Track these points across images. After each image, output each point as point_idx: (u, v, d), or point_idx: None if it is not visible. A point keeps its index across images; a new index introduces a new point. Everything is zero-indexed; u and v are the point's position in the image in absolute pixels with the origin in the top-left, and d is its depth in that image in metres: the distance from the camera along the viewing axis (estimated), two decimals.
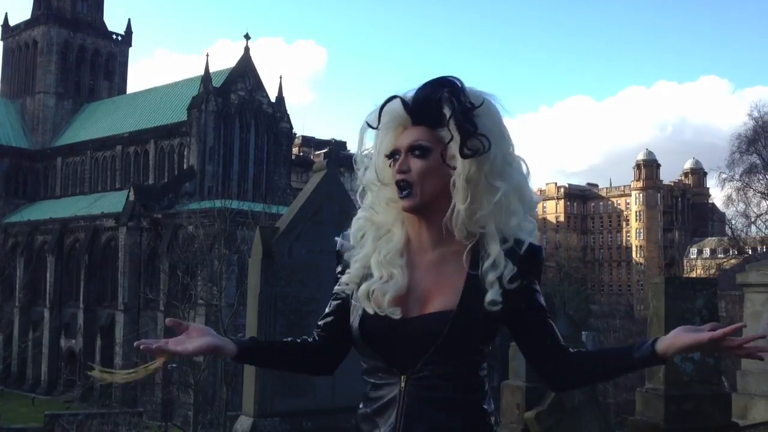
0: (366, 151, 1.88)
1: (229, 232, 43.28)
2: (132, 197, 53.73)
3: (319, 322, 1.91)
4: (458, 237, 1.78)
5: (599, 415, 7.19)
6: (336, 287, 1.90)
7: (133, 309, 51.92)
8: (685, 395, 6.42)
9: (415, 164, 1.76)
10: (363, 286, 1.80)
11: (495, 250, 1.76)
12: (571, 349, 1.82)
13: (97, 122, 67.52)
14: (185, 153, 57.47)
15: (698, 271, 62.61)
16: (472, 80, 1.82)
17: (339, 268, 1.91)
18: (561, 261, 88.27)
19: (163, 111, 62.01)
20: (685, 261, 79.55)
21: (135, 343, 1.86)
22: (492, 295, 1.73)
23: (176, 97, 61.75)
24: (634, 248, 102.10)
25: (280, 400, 5.94)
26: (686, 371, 6.50)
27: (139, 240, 53.17)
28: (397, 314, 1.75)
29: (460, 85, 1.78)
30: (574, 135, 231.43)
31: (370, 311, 1.77)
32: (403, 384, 1.74)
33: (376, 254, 1.82)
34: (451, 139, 1.75)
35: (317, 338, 1.90)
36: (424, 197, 1.77)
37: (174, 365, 42.03)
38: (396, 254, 1.81)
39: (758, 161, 39.05)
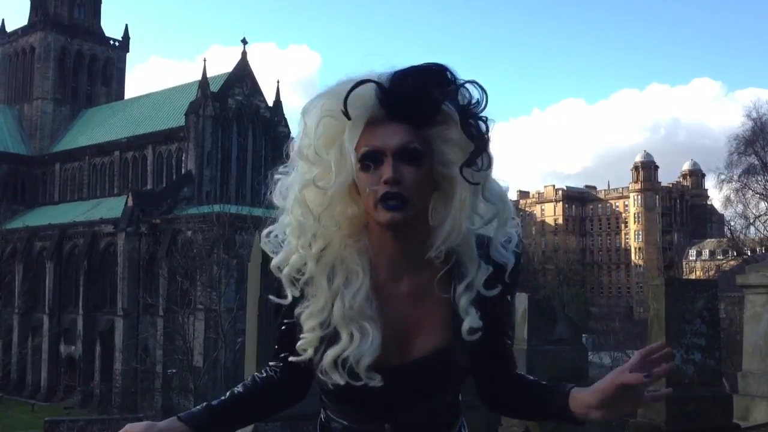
0: (315, 143, 1.46)
1: (228, 237, 43.29)
2: (130, 202, 53.69)
3: (277, 356, 1.61)
4: (435, 257, 1.47)
5: None
6: (284, 335, 1.57)
7: (132, 314, 51.84)
8: (687, 397, 6.41)
9: (409, 173, 1.41)
10: (330, 355, 1.45)
11: (473, 270, 1.47)
12: (518, 374, 1.58)
13: (95, 128, 67.50)
14: (183, 158, 57.45)
15: (697, 272, 62.65)
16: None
17: (284, 320, 1.56)
18: (560, 263, 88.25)
19: (161, 116, 62.02)
20: (684, 263, 79.60)
21: None
22: (469, 322, 1.45)
23: (174, 102, 61.76)
24: (633, 250, 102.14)
25: None
26: (687, 373, 6.49)
27: (138, 245, 53.10)
28: (377, 382, 1.44)
29: (454, 79, 1.45)
30: (567, 137, 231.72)
31: (342, 383, 1.45)
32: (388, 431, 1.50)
33: (339, 304, 1.45)
34: (448, 145, 1.44)
35: (277, 373, 1.60)
36: (414, 212, 1.42)
37: (174, 370, 41.99)
38: (365, 301, 1.45)
39: (756, 162, 39.07)
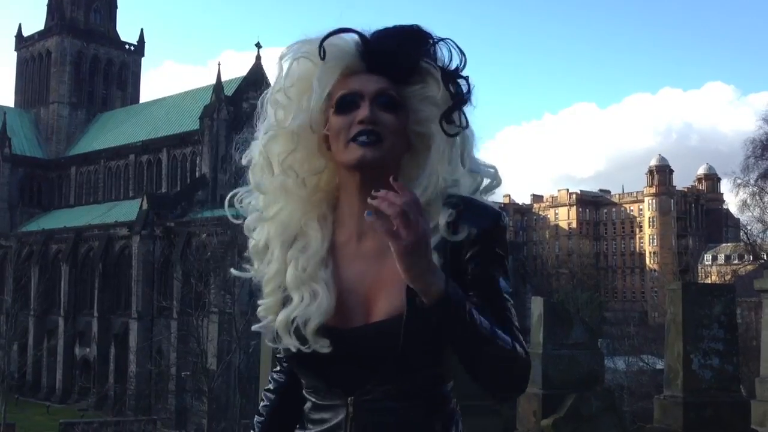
0: (287, 86, 1.40)
1: (243, 240, 43.41)
2: (145, 206, 53.98)
3: (278, 355, 1.56)
4: None
5: (617, 422, 7.12)
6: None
7: (146, 317, 52.07)
8: (704, 402, 6.35)
9: (386, 117, 1.37)
10: (281, 316, 1.39)
11: (438, 218, 1.37)
12: None
13: (111, 132, 67.97)
14: (197, 161, 57.75)
15: (713, 277, 62.25)
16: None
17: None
18: (574, 268, 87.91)
19: (176, 120, 62.37)
20: (699, 267, 79.08)
21: None
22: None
23: (188, 106, 62.11)
24: (647, 255, 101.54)
25: None
26: (705, 378, 6.43)
27: (153, 248, 53.35)
28: (325, 348, 1.35)
29: (431, 38, 1.42)
30: (579, 142, 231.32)
31: (293, 349, 1.38)
32: (350, 408, 1.37)
33: (292, 268, 1.41)
34: (425, 103, 1.41)
35: (282, 377, 1.58)
36: (388, 156, 1.37)
37: (188, 373, 42.15)
38: (318, 263, 1.40)
39: None
